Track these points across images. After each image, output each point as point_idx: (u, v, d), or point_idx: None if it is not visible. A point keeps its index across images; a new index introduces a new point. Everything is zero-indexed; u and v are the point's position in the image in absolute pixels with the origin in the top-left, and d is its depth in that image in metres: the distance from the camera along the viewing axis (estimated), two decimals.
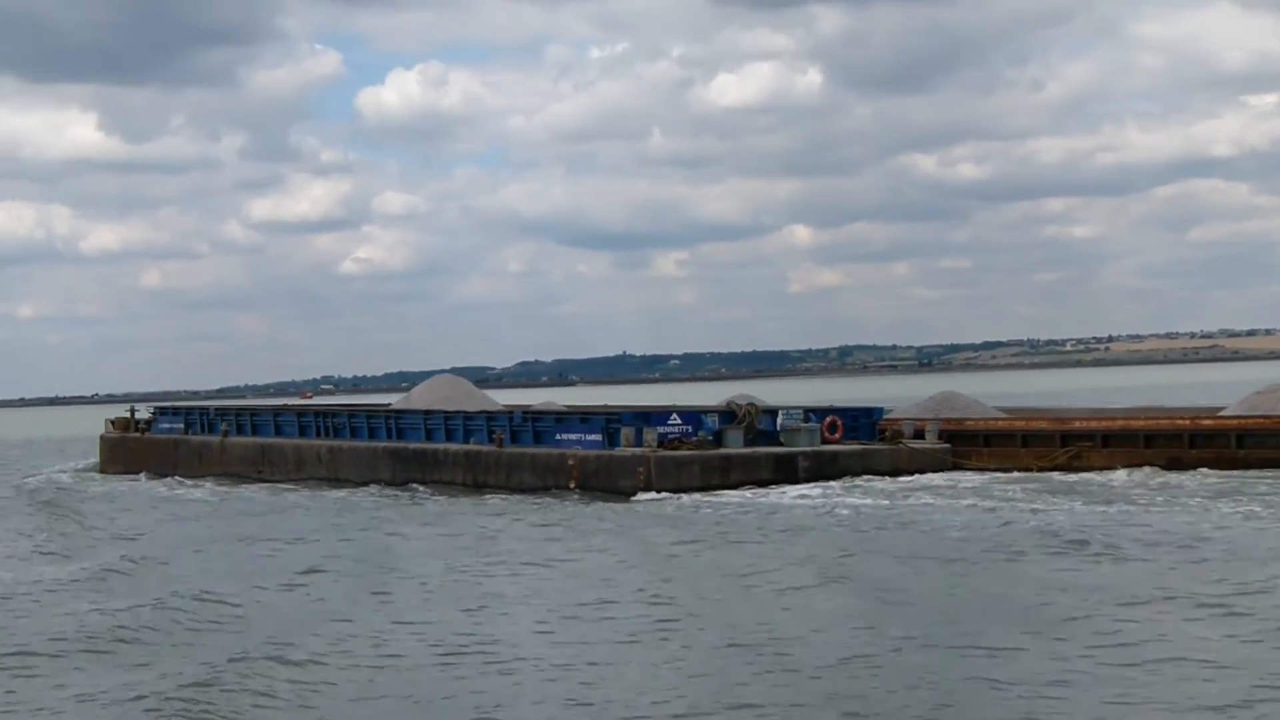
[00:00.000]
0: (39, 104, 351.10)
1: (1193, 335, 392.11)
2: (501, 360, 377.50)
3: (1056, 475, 38.97)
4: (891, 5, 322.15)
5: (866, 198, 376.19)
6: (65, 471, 57.03)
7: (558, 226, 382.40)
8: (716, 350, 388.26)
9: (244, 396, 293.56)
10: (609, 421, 40.60)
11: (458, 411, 45.17)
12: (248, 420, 51.55)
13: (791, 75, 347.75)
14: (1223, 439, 39.31)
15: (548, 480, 40.56)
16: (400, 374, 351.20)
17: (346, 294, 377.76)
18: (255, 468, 49.03)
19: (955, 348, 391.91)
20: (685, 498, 37.28)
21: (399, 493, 42.26)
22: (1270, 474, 36.51)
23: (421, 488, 42.70)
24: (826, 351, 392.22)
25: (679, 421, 41.00)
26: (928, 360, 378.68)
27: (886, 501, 34.69)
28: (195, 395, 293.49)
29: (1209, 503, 31.62)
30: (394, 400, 53.56)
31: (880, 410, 44.76)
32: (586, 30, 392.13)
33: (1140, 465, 39.41)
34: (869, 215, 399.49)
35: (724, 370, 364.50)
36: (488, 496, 39.93)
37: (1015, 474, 40.01)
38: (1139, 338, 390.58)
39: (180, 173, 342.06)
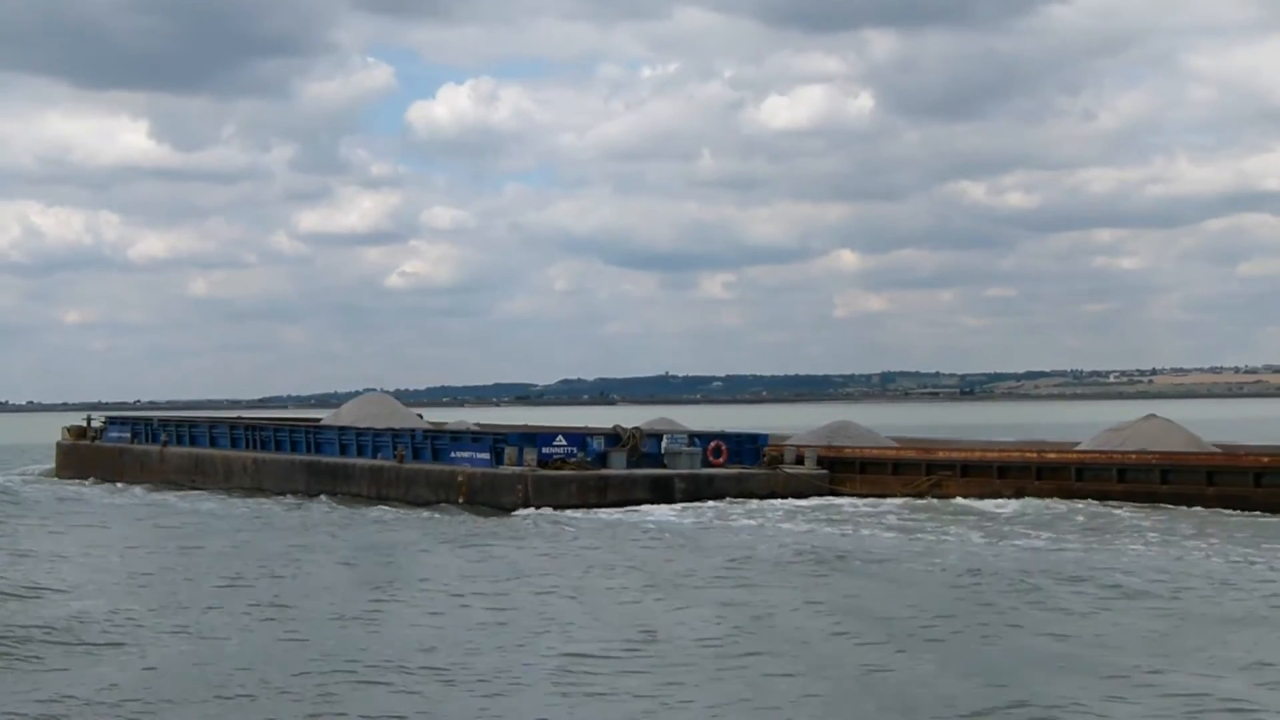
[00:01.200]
0: (90, 110, 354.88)
1: (1238, 370, 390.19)
2: (544, 378, 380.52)
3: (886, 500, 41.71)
4: (945, 31, 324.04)
5: (914, 224, 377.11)
6: (20, 475, 60.61)
7: (605, 245, 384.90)
8: (759, 373, 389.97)
9: (286, 407, 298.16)
10: (496, 441, 43.58)
11: (368, 428, 48.31)
12: (186, 431, 55.03)
13: (843, 99, 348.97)
14: (1065, 471, 41.93)
15: (440, 495, 43.60)
16: (443, 388, 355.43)
17: (392, 307, 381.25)
18: (190, 477, 52.46)
19: (998, 377, 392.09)
20: (562, 513, 40.26)
21: (306, 502, 45.45)
22: (1096, 504, 39.20)
23: (329, 499, 45.85)
24: (869, 377, 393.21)
25: (564, 443, 43.94)
26: (969, 389, 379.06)
27: (720, 520, 37.67)
28: (237, 404, 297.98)
29: (1004, 528, 34.33)
30: (325, 416, 56.73)
31: (765, 437, 47.55)
32: (639, 50, 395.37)
33: (992, 495, 42.09)
34: (916, 241, 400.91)
35: (765, 393, 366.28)
36: (376, 508, 43.03)
37: (870, 498, 42.73)
38: (1183, 371, 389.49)
39: (230, 182, 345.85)
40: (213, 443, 53.25)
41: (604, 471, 43.11)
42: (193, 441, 54.37)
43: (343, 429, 48.97)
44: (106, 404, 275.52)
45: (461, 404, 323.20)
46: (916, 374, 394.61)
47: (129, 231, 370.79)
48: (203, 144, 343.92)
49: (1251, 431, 74.89)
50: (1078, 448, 44.84)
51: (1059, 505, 39.43)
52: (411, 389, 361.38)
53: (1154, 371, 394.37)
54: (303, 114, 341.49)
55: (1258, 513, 37.45)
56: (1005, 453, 44.22)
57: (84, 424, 60.22)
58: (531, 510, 40.91)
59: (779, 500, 43.08)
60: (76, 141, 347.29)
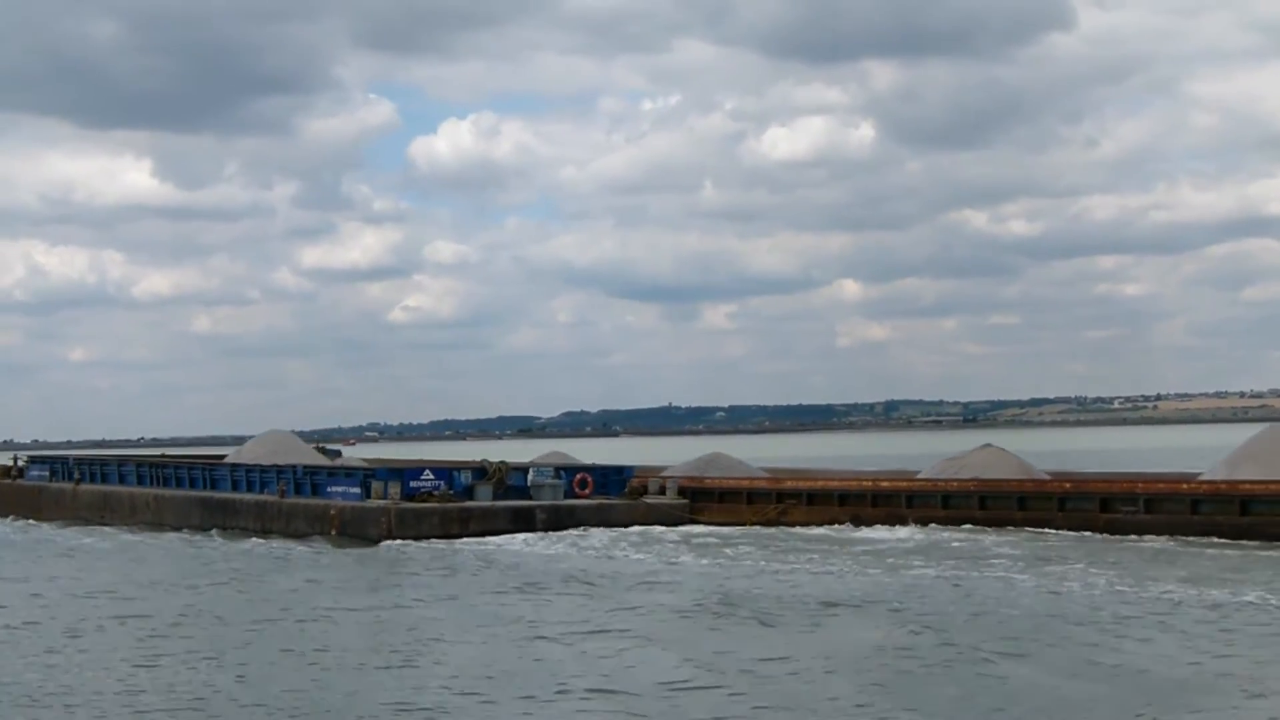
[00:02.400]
0: (94, 150, 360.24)
1: (1243, 394, 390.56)
2: (547, 410, 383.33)
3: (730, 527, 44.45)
4: (946, 61, 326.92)
5: (917, 253, 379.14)
6: None
7: (607, 278, 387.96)
8: (763, 403, 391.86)
9: None
10: (366, 476, 46.43)
11: (255, 465, 51.23)
12: (98, 469, 58.08)
13: (844, 130, 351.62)
14: (896, 499, 44.65)
15: (315, 528, 46.43)
16: (446, 422, 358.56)
17: (395, 342, 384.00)
18: (99, 513, 55.44)
19: (1002, 404, 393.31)
20: (423, 543, 43.02)
21: (195, 537, 48.32)
22: (918, 528, 41.95)
23: (219, 533, 48.73)
24: (872, 406, 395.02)
25: (431, 477, 46.77)
26: (973, 416, 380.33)
27: (559, 546, 40.59)
28: (241, 440, 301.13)
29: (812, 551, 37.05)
30: (229, 453, 59.67)
31: (630, 469, 50.41)
32: (639, 83, 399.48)
33: (831, 521, 44.84)
34: (919, 270, 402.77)
35: (767, 423, 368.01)
36: (267, 540, 45.90)
37: (723, 527, 45.45)
38: (1188, 396, 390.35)
39: (233, 220, 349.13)
40: (121, 480, 56.25)
41: (467, 504, 45.83)
42: (103, 479, 57.42)
43: (234, 466, 51.96)
44: (111, 441, 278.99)
45: (464, 437, 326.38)
46: (920, 402, 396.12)
47: (133, 270, 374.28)
48: (205, 182, 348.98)
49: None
50: (918, 475, 47.52)
51: (881, 531, 42.17)
52: (415, 423, 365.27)
53: (1159, 397, 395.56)
54: (305, 151, 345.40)
55: (1063, 531, 40.13)
56: (845, 482, 46.96)
57: (10, 463, 63.20)
58: (396, 541, 43.61)
59: (639, 528, 45.79)
60: (80, 181, 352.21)
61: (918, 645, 22.14)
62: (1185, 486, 40.21)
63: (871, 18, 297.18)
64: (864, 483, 46.37)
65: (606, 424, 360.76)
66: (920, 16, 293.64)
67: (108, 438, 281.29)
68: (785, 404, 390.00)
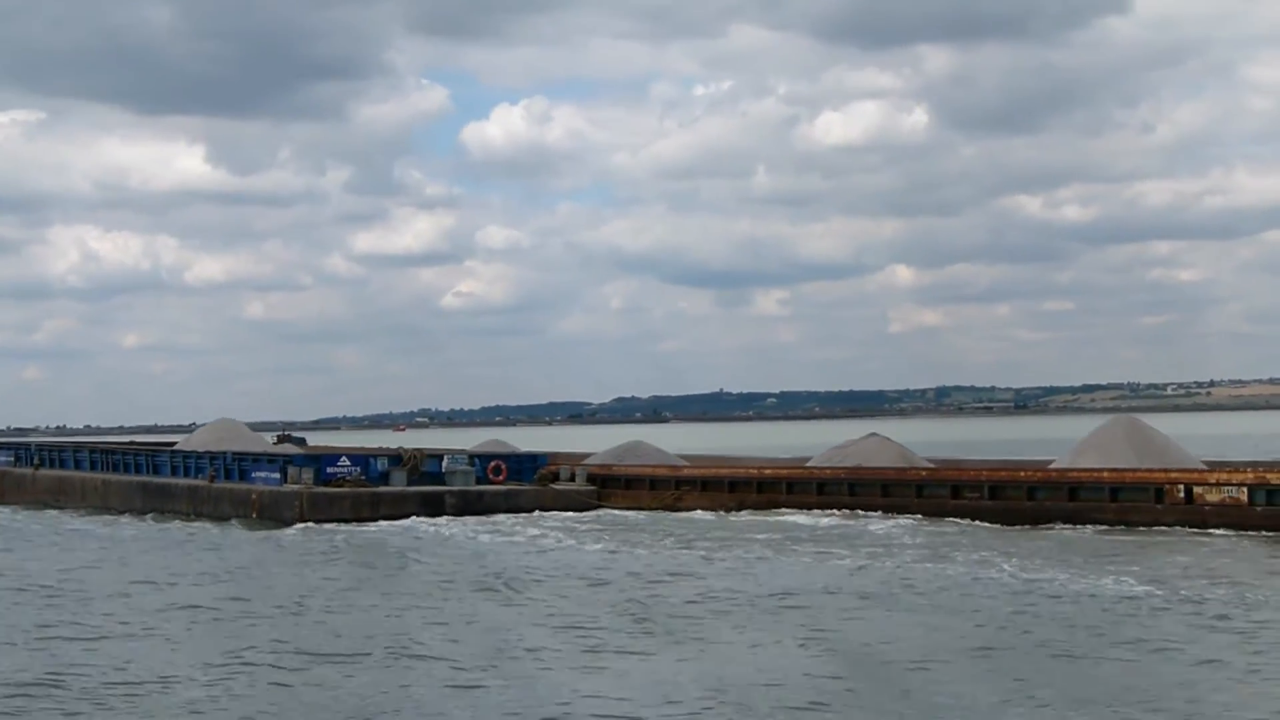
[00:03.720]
0: (148, 136, 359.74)
1: None
2: (599, 396, 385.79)
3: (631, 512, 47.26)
4: (1000, 45, 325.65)
5: (970, 238, 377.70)
6: None
7: (659, 263, 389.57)
8: (814, 389, 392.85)
9: (339, 429, 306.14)
10: (286, 463, 49.61)
11: (191, 452, 54.61)
12: (55, 456, 61.73)
13: (897, 114, 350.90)
14: (777, 486, 47.35)
15: (239, 511, 49.68)
16: (498, 408, 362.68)
17: (447, 328, 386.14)
18: (55, 497, 59.06)
19: (1054, 390, 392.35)
20: (335, 526, 46.14)
21: (135, 520, 51.74)
22: (799, 513, 44.50)
23: (155, 517, 52.12)
24: (924, 392, 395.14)
25: (348, 464, 49.92)
26: (1024, 403, 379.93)
27: (459, 529, 43.59)
28: (292, 426, 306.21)
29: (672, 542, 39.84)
30: (179, 441, 63.05)
31: (544, 457, 53.35)
32: (692, 68, 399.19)
33: (720, 507, 47.57)
34: (972, 256, 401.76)
35: (817, 409, 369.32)
36: (191, 522, 49.26)
37: (622, 511, 48.29)
38: (1241, 383, 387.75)
39: (285, 205, 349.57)
40: (76, 466, 59.86)
41: (378, 489, 48.93)
42: (60, 465, 61.07)
43: (173, 453, 55.36)
44: (162, 427, 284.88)
45: (514, 423, 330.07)
46: (972, 388, 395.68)
47: (186, 255, 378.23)
48: (259, 167, 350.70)
49: None
50: (808, 463, 50.13)
51: (753, 516, 44.86)
52: (466, 409, 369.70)
53: (1212, 383, 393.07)
54: (358, 136, 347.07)
55: (917, 515, 42.66)
56: (734, 470, 49.68)
57: None
58: (308, 524, 46.73)
59: (547, 513, 48.65)
60: (134, 166, 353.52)
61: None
62: (1022, 474, 42.69)
63: (926, 2, 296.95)
64: (750, 471, 49.08)
65: (657, 410, 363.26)
66: (975, 1, 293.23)
67: (160, 423, 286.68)
68: (836, 390, 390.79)
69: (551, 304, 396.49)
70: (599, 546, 37.63)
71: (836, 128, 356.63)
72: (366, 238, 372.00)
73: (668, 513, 47.57)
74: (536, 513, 48.57)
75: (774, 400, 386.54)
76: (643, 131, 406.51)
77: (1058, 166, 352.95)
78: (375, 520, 47.31)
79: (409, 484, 49.83)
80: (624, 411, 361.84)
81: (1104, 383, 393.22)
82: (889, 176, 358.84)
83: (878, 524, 41.21)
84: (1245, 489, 37.12)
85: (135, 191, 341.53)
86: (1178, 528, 37.51)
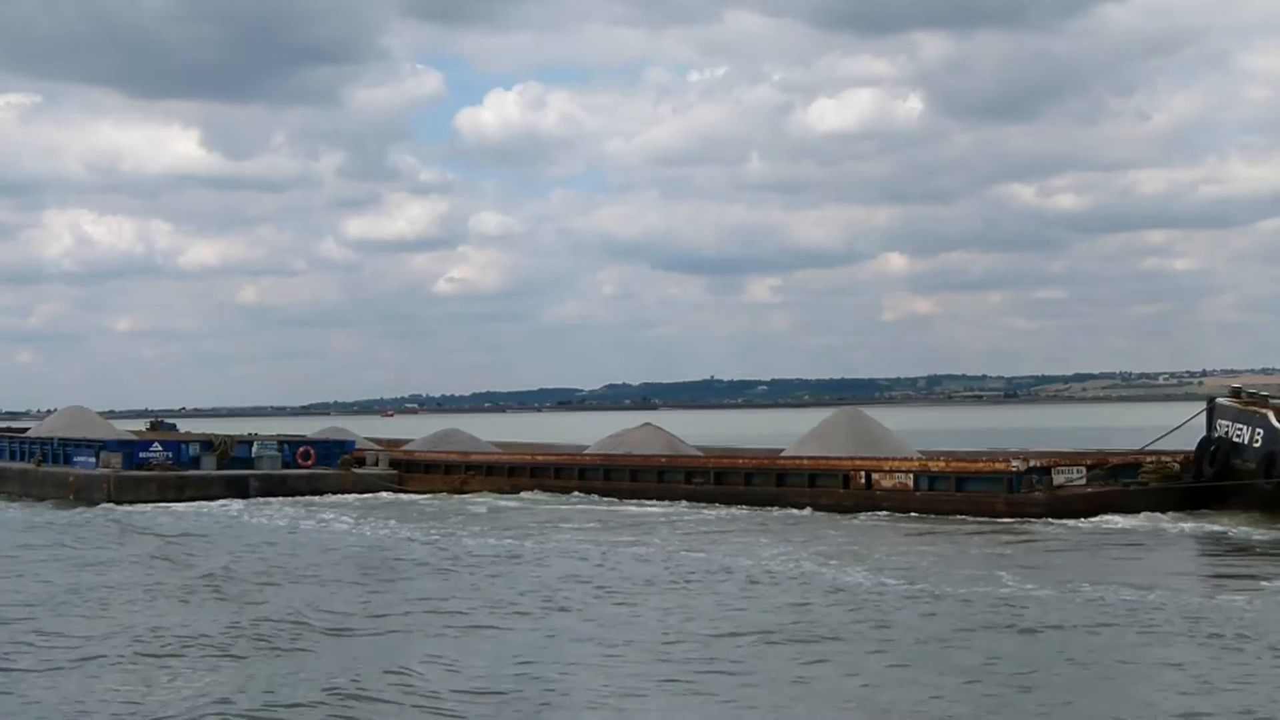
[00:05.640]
0: (143, 119, 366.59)
1: None
2: (590, 383, 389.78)
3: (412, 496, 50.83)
4: (996, 33, 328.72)
5: (963, 226, 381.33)
6: None
7: (652, 250, 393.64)
8: (805, 377, 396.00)
9: (329, 414, 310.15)
10: (100, 448, 53.28)
11: (24, 438, 58.38)
12: None
13: (892, 102, 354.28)
14: (547, 471, 50.88)
15: (59, 492, 53.31)
16: (488, 394, 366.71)
17: (439, 314, 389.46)
18: None
19: (1046, 379, 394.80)
20: (144, 507, 49.69)
21: None
22: (561, 498, 47.90)
23: None
24: (915, 380, 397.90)
25: (160, 449, 53.58)
26: (1014, 392, 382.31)
27: (242, 507, 47.12)
28: (282, 411, 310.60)
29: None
30: (32, 427, 66.69)
31: (351, 443, 56.92)
32: (687, 54, 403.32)
33: (497, 490, 51.10)
34: (965, 244, 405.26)
35: (807, 397, 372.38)
36: (12, 502, 52.99)
37: (424, 493, 51.79)
38: (1234, 373, 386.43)
39: (279, 190, 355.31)
40: None
41: (185, 472, 52.55)
42: None
43: (13, 438, 59.14)
44: (154, 410, 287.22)
45: (503, 410, 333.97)
46: (963, 377, 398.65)
47: (180, 239, 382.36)
48: (253, 152, 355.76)
49: None
50: (585, 451, 53.62)
51: (508, 500, 48.44)
52: (456, 395, 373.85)
53: (1204, 373, 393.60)
54: (352, 121, 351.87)
55: (654, 499, 46.05)
56: (513, 455, 53.29)
57: None
58: (113, 505, 50.26)
59: (350, 495, 52.18)
60: (128, 150, 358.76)
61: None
62: (741, 461, 46.12)
63: None
64: (525, 456, 52.69)
65: (647, 397, 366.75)
66: None
67: (151, 408, 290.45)
68: (828, 378, 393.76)
69: (544, 290, 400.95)
70: (348, 520, 41.20)
71: (831, 115, 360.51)
72: (360, 223, 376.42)
73: (454, 495, 51.09)
74: (349, 496, 52.09)
75: (765, 388, 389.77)
76: (637, 118, 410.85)
77: (1052, 155, 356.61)
78: (181, 501, 50.85)
79: (218, 468, 53.48)
80: (614, 398, 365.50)
81: (1096, 372, 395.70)
82: (883, 164, 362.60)
83: (596, 505, 44.79)
84: (912, 475, 40.44)
85: (129, 175, 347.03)
86: (859, 511, 40.81)
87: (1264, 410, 37.28)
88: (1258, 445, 36.67)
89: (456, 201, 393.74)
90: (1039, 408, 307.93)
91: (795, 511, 41.50)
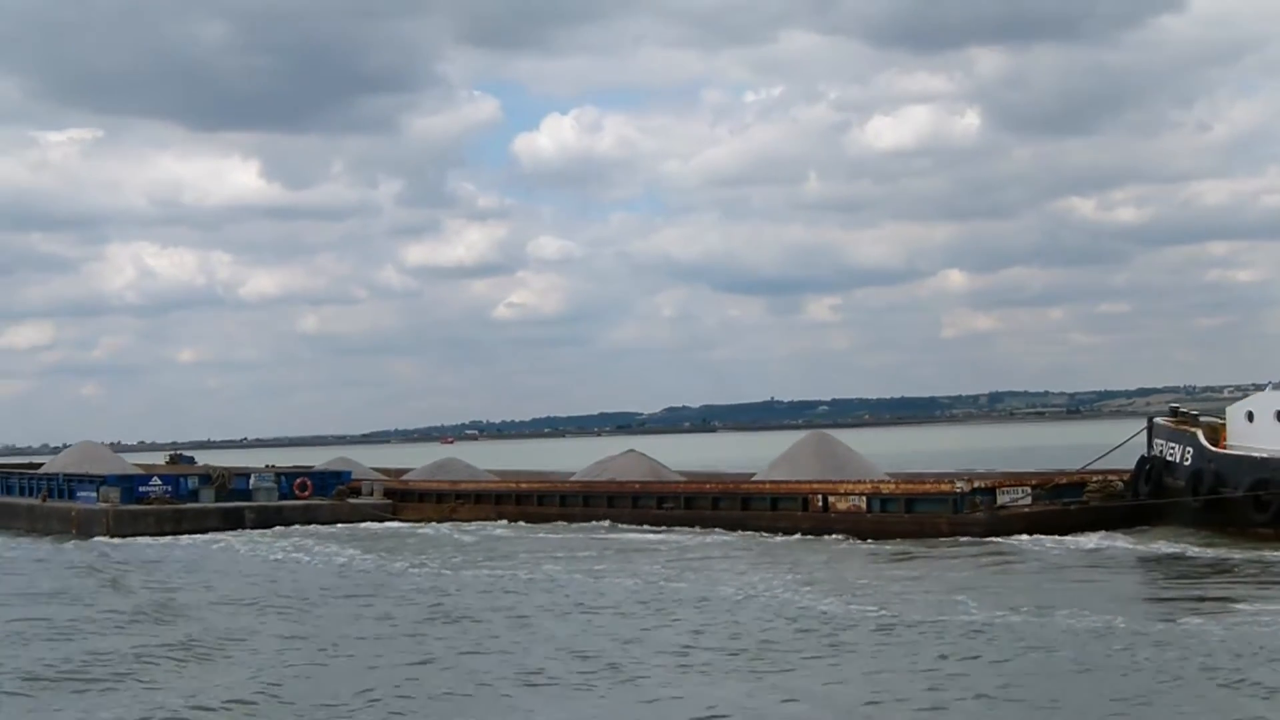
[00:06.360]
0: (202, 151, 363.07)
1: None
2: (649, 406, 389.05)
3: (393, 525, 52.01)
4: (1053, 47, 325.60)
5: (1023, 241, 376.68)
6: None
7: (711, 271, 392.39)
8: (866, 396, 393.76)
9: (389, 441, 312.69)
10: (101, 483, 54.85)
11: (28, 473, 60.11)
12: None
13: (949, 118, 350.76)
14: (530, 499, 51.93)
15: (64, 527, 54.91)
16: (548, 419, 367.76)
17: (499, 339, 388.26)
18: None
19: (1109, 394, 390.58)
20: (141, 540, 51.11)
21: None
22: (541, 526, 48.87)
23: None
24: (976, 398, 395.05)
25: (159, 483, 55.10)
26: (1077, 408, 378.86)
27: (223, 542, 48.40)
28: (342, 440, 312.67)
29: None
30: (46, 461, 68.52)
31: (348, 474, 58.27)
32: (742, 74, 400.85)
33: (484, 518, 52.20)
34: (1025, 259, 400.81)
35: (867, 416, 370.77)
36: (19, 538, 54.55)
37: (413, 521, 52.94)
38: None
39: (338, 219, 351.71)
40: None
41: (180, 505, 53.97)
42: None
43: (22, 474, 60.96)
44: (216, 442, 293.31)
45: (563, 434, 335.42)
46: (1025, 394, 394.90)
47: (240, 270, 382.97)
48: (312, 181, 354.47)
49: None
50: (571, 478, 54.63)
51: (493, 526, 49.52)
52: (516, 420, 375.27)
53: (1271, 385, 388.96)
54: (410, 149, 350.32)
55: (629, 523, 47.00)
56: (497, 484, 54.43)
57: None
58: (113, 539, 51.68)
59: (343, 525, 53.37)
60: (189, 182, 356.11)
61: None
62: (709, 487, 47.01)
63: (977, 4, 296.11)
64: (509, 485, 53.81)
65: (706, 419, 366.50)
66: (1026, 1, 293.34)
67: (213, 439, 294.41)
68: (888, 397, 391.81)
69: (603, 314, 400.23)
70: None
71: (888, 132, 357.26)
72: (419, 250, 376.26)
73: (443, 522, 52.18)
74: (337, 526, 53.29)
75: (825, 408, 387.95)
76: (693, 139, 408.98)
77: (1112, 168, 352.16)
78: (179, 534, 52.26)
79: (216, 500, 54.90)
80: (673, 421, 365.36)
81: (1160, 386, 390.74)
82: (941, 180, 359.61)
83: (573, 533, 45.74)
84: (865, 498, 41.14)
85: (190, 207, 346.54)
86: (817, 533, 41.49)
87: (1194, 429, 37.74)
88: (1188, 464, 37.12)
89: (515, 226, 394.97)
90: (1102, 423, 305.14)
91: (757, 534, 42.32)
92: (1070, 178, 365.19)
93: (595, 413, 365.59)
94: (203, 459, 77.54)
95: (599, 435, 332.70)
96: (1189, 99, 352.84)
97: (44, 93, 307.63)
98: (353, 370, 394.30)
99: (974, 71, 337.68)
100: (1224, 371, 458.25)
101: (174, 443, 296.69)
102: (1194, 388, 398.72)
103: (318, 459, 72.08)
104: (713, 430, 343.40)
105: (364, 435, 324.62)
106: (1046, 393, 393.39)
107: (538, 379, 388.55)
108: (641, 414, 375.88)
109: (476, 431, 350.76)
